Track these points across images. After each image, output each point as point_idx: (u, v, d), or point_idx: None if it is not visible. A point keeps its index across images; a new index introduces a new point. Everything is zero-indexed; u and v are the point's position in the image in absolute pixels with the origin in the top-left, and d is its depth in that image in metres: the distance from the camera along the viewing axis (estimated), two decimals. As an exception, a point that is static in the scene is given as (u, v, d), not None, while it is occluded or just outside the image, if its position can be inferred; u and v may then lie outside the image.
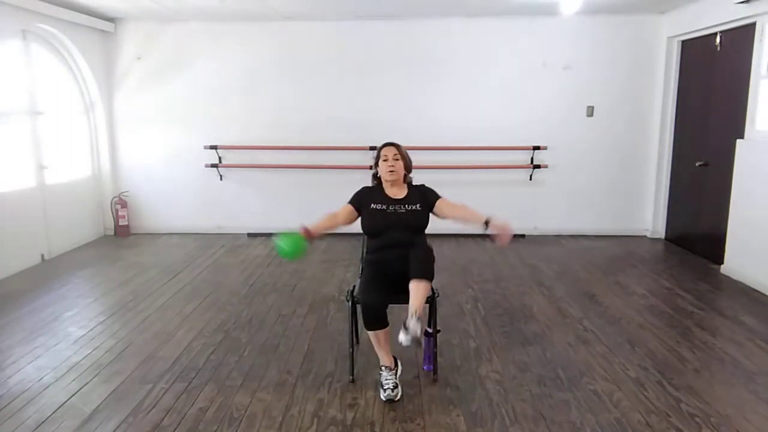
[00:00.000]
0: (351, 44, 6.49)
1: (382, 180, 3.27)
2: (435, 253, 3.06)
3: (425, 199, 3.24)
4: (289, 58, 6.53)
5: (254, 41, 6.52)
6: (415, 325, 2.76)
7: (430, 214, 3.25)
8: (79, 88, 6.37)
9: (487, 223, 3.02)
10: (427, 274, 2.93)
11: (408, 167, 3.29)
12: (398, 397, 2.94)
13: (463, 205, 3.22)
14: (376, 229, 3.20)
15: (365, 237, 3.39)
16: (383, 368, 3.01)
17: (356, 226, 3.32)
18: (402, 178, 3.27)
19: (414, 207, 3.20)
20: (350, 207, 3.25)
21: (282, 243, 2.96)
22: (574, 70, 6.40)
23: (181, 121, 6.66)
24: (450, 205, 3.22)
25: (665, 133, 6.35)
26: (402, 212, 3.18)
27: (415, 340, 2.77)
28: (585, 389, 3.06)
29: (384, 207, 3.19)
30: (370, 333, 3.00)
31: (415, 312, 2.80)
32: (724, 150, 5.16)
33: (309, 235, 3.02)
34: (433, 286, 3.17)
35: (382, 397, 2.94)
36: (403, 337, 2.77)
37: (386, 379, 2.98)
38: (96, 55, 6.44)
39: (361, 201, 3.25)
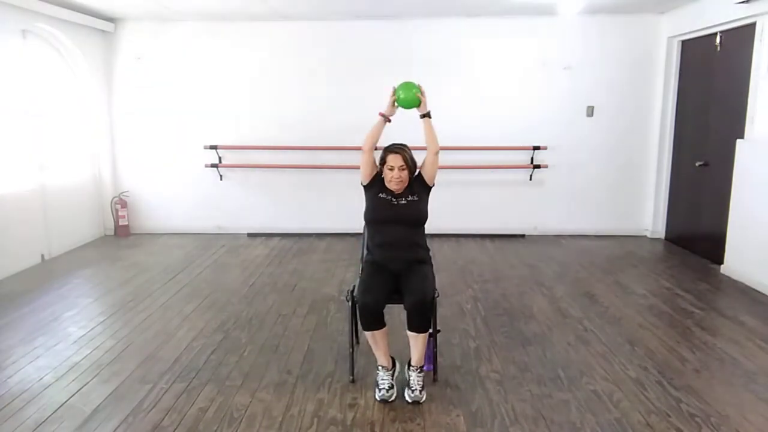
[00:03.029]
0: (351, 44, 6.49)
1: (386, 182, 3.23)
2: (435, 253, 3.05)
3: (419, 181, 3.25)
4: (289, 58, 6.53)
5: (254, 41, 6.52)
6: (417, 383, 2.93)
7: (431, 191, 3.28)
8: (79, 88, 6.37)
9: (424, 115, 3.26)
10: (425, 324, 2.98)
11: (413, 171, 3.23)
12: (393, 397, 2.94)
13: (426, 141, 3.28)
14: (377, 219, 3.20)
15: (365, 236, 3.38)
16: (380, 368, 3.02)
17: (356, 226, 3.31)
18: (407, 183, 3.21)
19: (413, 198, 3.21)
20: (375, 165, 3.24)
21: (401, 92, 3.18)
22: (574, 70, 6.39)
23: (181, 121, 6.66)
24: (426, 157, 3.26)
25: (665, 133, 6.35)
26: (404, 203, 3.19)
27: (416, 401, 2.92)
28: (585, 389, 3.06)
29: (389, 198, 3.19)
30: (367, 333, 3.01)
31: (416, 366, 2.96)
32: (724, 150, 5.16)
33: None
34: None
35: (376, 397, 2.95)
36: (407, 397, 2.94)
37: (382, 380, 2.98)
38: (96, 55, 6.44)
39: (378, 178, 3.22)
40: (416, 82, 3.23)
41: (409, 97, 3.20)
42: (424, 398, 2.92)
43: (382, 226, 3.19)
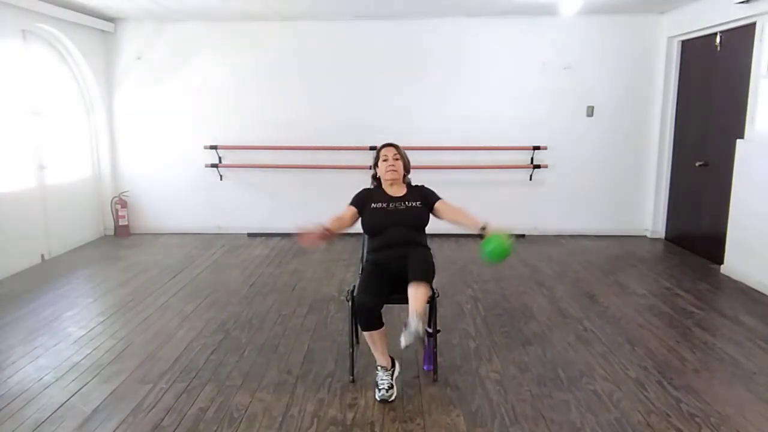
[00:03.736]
0: (351, 44, 6.48)
1: (382, 180, 3.31)
2: (435, 253, 3.06)
3: (425, 198, 3.28)
4: (288, 58, 6.53)
5: (254, 41, 6.52)
6: (416, 324, 2.73)
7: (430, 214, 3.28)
8: (79, 88, 6.37)
9: (483, 228, 3.05)
10: (426, 277, 2.93)
11: (407, 167, 3.34)
12: (393, 397, 2.93)
13: (461, 208, 3.24)
14: (377, 227, 3.21)
15: (365, 236, 3.39)
16: (379, 368, 3.02)
17: (356, 226, 3.33)
18: (402, 178, 3.31)
19: (414, 204, 3.23)
20: (352, 208, 3.26)
21: (488, 248, 2.95)
22: (574, 70, 6.39)
23: (181, 121, 6.66)
24: (450, 207, 3.25)
25: (665, 133, 6.35)
26: (402, 209, 3.20)
27: (418, 338, 2.73)
28: (585, 389, 3.06)
29: (385, 205, 3.22)
30: (366, 333, 3.00)
31: (416, 313, 2.80)
32: (724, 150, 5.16)
33: (329, 234, 3.01)
34: (433, 286, 3.17)
35: (376, 397, 2.95)
36: (402, 339, 2.75)
37: (382, 380, 2.98)
38: (96, 55, 6.44)
39: (362, 202, 3.27)
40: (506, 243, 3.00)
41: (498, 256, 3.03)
42: (421, 332, 2.73)
43: (383, 231, 3.20)
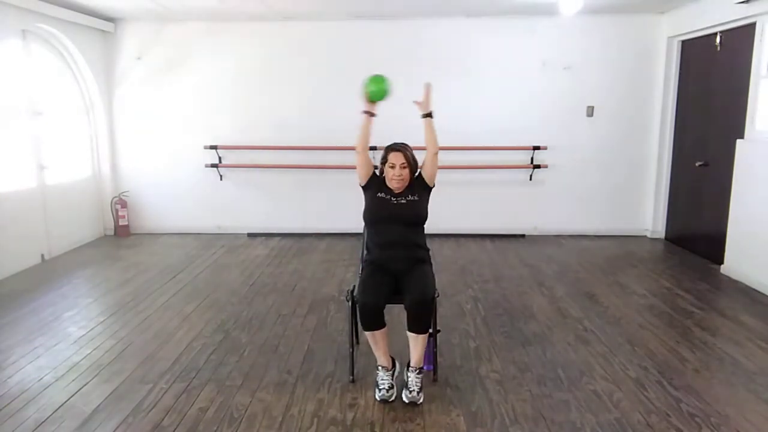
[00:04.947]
0: (351, 44, 6.48)
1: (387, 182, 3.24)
2: (435, 253, 3.05)
3: (419, 181, 3.25)
4: (288, 58, 6.53)
5: (254, 41, 6.52)
6: (415, 383, 2.92)
7: (431, 188, 3.29)
8: (79, 88, 6.37)
9: (427, 114, 3.36)
10: (424, 329, 2.97)
11: (414, 170, 3.24)
12: (393, 397, 2.94)
13: (426, 141, 3.31)
14: (376, 217, 3.20)
15: (365, 236, 3.38)
16: (380, 368, 3.02)
17: (356, 226, 3.32)
18: (408, 182, 3.23)
19: (414, 197, 3.21)
20: (371, 164, 3.29)
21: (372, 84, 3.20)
22: (574, 70, 6.39)
23: (181, 121, 6.66)
24: (426, 157, 3.28)
25: (665, 133, 6.35)
26: (403, 203, 3.19)
27: (413, 402, 2.90)
28: (585, 389, 3.06)
29: (388, 197, 3.20)
30: (367, 333, 3.00)
31: (416, 367, 2.94)
32: (724, 150, 5.16)
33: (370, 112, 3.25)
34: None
35: (376, 397, 2.96)
36: (404, 397, 2.92)
37: (382, 380, 2.98)
38: (96, 55, 6.44)
39: (374, 179, 3.25)
40: (385, 76, 3.30)
41: (377, 89, 3.22)
42: (421, 400, 2.91)
43: (382, 226, 3.20)
